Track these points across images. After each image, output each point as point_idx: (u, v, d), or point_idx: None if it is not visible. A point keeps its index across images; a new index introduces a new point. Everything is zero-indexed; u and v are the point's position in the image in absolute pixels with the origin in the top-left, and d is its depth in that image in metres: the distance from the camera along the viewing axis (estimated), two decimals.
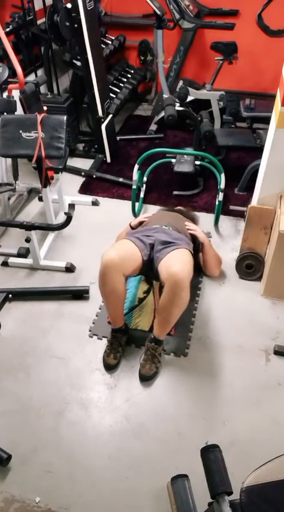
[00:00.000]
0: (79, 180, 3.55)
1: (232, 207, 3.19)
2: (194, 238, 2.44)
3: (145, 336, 2.21)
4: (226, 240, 2.94)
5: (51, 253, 2.81)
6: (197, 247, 2.48)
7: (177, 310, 2.01)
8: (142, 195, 3.29)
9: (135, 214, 3.09)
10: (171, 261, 2.04)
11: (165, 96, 3.57)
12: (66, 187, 3.22)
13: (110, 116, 3.74)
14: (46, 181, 2.63)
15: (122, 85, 4.18)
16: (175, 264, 2.00)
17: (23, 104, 2.81)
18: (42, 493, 1.68)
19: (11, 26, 3.66)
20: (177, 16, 3.70)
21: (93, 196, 3.35)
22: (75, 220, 2.63)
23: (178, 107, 3.22)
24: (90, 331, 2.31)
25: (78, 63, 3.64)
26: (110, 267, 2.01)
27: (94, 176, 3.56)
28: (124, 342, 2.20)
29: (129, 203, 3.11)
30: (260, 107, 3.45)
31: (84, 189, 3.46)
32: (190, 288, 2.01)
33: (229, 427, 1.89)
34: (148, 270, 2.21)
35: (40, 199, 2.86)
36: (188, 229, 2.43)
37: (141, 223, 2.52)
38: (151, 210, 3.18)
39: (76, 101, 3.72)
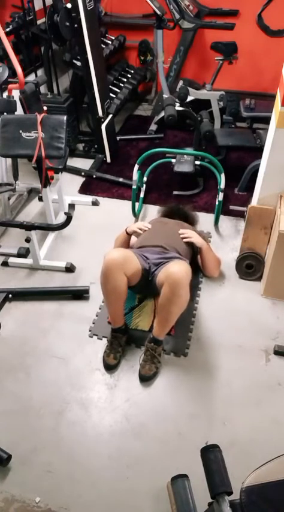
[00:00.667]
0: (79, 180, 3.55)
1: (232, 207, 3.19)
2: (192, 245, 2.44)
3: (145, 336, 2.21)
4: (226, 240, 2.94)
5: (51, 253, 2.81)
6: (195, 251, 2.48)
7: (176, 309, 2.02)
8: (142, 195, 3.29)
9: (135, 214, 3.09)
10: (168, 266, 2.06)
11: (165, 96, 3.57)
12: (66, 187, 3.22)
13: (110, 116, 3.74)
14: (46, 181, 2.63)
15: (122, 85, 4.18)
16: (173, 265, 2.02)
17: (23, 104, 2.81)
18: (42, 493, 1.68)
19: (11, 26, 3.66)
20: (177, 16, 3.70)
21: (93, 196, 3.35)
22: (75, 220, 2.63)
23: (178, 107, 3.22)
24: (90, 331, 2.31)
25: (78, 63, 3.64)
26: (113, 265, 2.02)
27: (94, 176, 3.56)
28: (124, 342, 2.20)
29: (129, 203, 3.11)
30: (260, 107, 3.45)
31: (84, 189, 3.46)
32: (190, 288, 2.02)
33: (229, 427, 1.89)
34: (147, 286, 2.22)
35: (40, 199, 2.87)
36: (183, 238, 2.39)
37: (137, 233, 2.48)
38: (151, 210, 3.18)
39: (76, 101, 3.72)
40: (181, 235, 2.41)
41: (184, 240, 2.40)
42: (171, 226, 2.52)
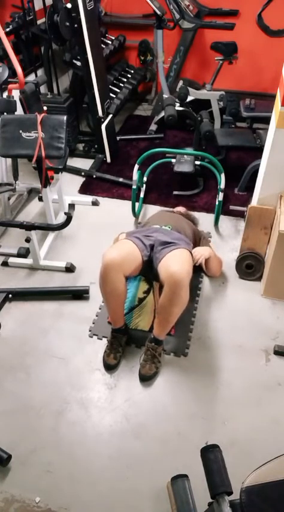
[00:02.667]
0: (79, 180, 3.55)
1: (232, 207, 3.19)
2: (195, 238, 2.44)
3: (145, 336, 2.21)
4: (226, 240, 2.94)
5: (51, 253, 2.81)
6: (198, 245, 2.49)
7: (176, 310, 2.01)
8: (142, 195, 3.29)
9: (135, 214, 3.09)
10: (170, 260, 2.04)
11: (165, 96, 3.57)
12: (66, 187, 3.22)
13: (110, 116, 3.74)
14: (46, 181, 2.63)
15: (122, 85, 4.18)
16: (174, 263, 2.00)
17: (23, 104, 2.81)
18: (42, 493, 1.68)
19: (11, 26, 3.66)
20: (177, 16, 3.70)
21: (93, 196, 3.35)
22: (75, 220, 2.63)
23: (178, 107, 3.22)
24: (90, 331, 2.31)
25: (78, 63, 3.65)
26: (111, 267, 2.01)
27: (94, 176, 3.56)
28: (124, 342, 2.20)
29: (129, 203, 3.11)
30: (260, 107, 3.44)
31: (84, 189, 3.46)
32: (190, 288, 2.02)
33: (229, 427, 1.89)
34: (148, 271, 2.21)
35: (40, 199, 2.86)
36: (197, 262, 2.34)
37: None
38: (151, 210, 3.18)
39: (76, 101, 3.72)
40: (194, 257, 2.32)
41: (198, 263, 2.36)
42: (176, 215, 2.57)
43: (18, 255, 2.73)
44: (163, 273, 2.02)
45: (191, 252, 2.20)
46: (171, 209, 2.84)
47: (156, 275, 2.14)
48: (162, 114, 3.84)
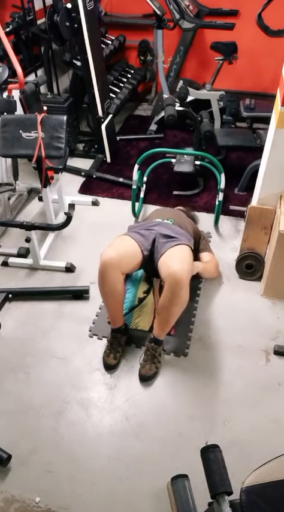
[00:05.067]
0: (80, 180, 3.55)
1: (232, 207, 3.18)
2: (195, 236, 2.44)
3: (145, 336, 2.21)
4: (226, 240, 2.94)
5: (51, 253, 2.81)
6: (197, 244, 2.48)
7: (176, 310, 2.01)
8: (142, 195, 3.29)
9: (135, 214, 3.09)
10: (170, 258, 2.04)
11: (165, 96, 3.57)
12: (66, 187, 3.22)
13: (110, 116, 3.74)
14: (46, 181, 2.63)
15: (122, 85, 4.18)
16: (175, 262, 2.00)
17: (23, 104, 2.80)
18: (42, 493, 1.68)
19: (11, 26, 3.66)
20: (177, 16, 3.70)
21: (93, 196, 3.35)
22: (75, 220, 2.63)
23: (178, 107, 3.22)
24: (90, 331, 2.31)
25: (78, 63, 3.65)
26: (109, 266, 2.01)
27: (94, 176, 3.55)
28: (124, 342, 2.20)
29: (129, 203, 3.11)
30: (260, 107, 3.45)
31: (84, 189, 3.46)
32: (190, 288, 2.02)
33: (229, 427, 1.89)
34: (149, 265, 2.22)
35: (40, 199, 2.87)
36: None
37: None
38: (151, 210, 3.16)
39: (76, 101, 3.72)
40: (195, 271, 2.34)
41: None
42: (177, 211, 2.58)
43: (18, 255, 2.73)
44: (164, 272, 2.02)
45: (192, 248, 2.20)
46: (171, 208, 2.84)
47: (156, 270, 2.13)
48: (162, 114, 3.84)
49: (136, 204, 3.11)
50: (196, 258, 2.53)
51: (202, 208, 3.21)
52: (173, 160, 3.32)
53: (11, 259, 2.73)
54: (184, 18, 3.75)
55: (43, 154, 2.42)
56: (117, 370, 2.12)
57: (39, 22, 3.73)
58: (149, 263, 2.20)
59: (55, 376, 2.10)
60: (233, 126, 3.72)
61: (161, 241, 2.15)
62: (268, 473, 1.16)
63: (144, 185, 3.32)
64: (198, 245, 2.49)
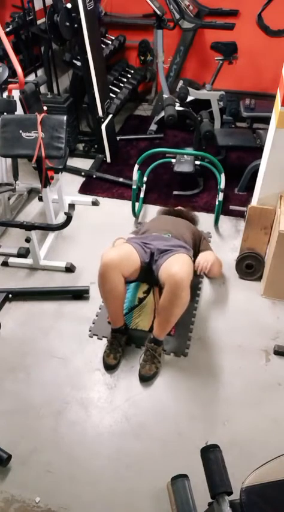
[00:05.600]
0: (80, 180, 3.55)
1: (232, 207, 3.18)
2: (194, 240, 2.44)
3: (145, 336, 2.21)
4: (226, 240, 2.94)
5: (51, 253, 2.81)
6: (197, 249, 2.49)
7: (177, 311, 2.02)
8: (142, 195, 3.29)
9: (135, 214, 3.09)
10: (170, 263, 2.06)
11: (165, 96, 3.57)
12: (66, 187, 3.22)
13: (110, 116, 3.74)
14: (46, 181, 2.63)
15: (122, 85, 4.18)
16: (175, 265, 2.01)
17: (23, 104, 2.80)
18: (42, 493, 1.68)
19: (11, 26, 3.66)
20: (177, 16, 3.70)
21: (93, 196, 3.35)
22: (75, 220, 2.63)
23: (178, 107, 3.22)
24: (90, 331, 2.31)
25: (78, 63, 3.65)
26: (110, 266, 2.02)
27: (94, 176, 3.55)
28: (124, 342, 2.20)
29: (129, 203, 3.11)
30: (260, 107, 3.45)
31: (84, 189, 3.45)
32: (190, 288, 2.02)
33: (229, 427, 1.89)
34: (148, 276, 2.23)
35: (40, 199, 2.87)
36: (201, 267, 2.35)
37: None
38: (151, 210, 3.18)
39: (76, 101, 3.72)
40: (198, 269, 2.35)
41: (207, 270, 2.37)
42: (176, 220, 2.55)
43: (18, 255, 2.73)
44: (164, 274, 2.04)
45: (191, 257, 2.21)
46: (171, 208, 2.83)
47: (156, 281, 2.14)
48: (162, 114, 3.84)
49: (136, 204, 3.11)
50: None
51: (202, 208, 3.21)
52: (173, 160, 3.32)
53: (11, 259, 2.73)
54: (184, 18, 3.74)
55: (43, 154, 2.42)
56: (117, 370, 2.12)
57: (39, 22, 3.73)
58: (148, 275, 2.21)
59: (55, 376, 2.10)
60: (233, 126, 3.71)
61: (160, 255, 2.17)
62: (268, 473, 1.16)
63: (144, 185, 3.32)
64: (199, 247, 2.49)
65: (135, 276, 2.16)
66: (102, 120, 3.62)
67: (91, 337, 2.29)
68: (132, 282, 2.28)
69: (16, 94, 2.83)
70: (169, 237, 2.29)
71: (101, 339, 2.27)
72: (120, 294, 2.10)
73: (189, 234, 2.41)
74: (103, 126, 3.60)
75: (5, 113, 2.68)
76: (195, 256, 2.49)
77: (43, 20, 3.56)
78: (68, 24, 3.27)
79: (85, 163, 3.70)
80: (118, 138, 3.99)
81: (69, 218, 2.51)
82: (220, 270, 2.60)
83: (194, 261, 2.24)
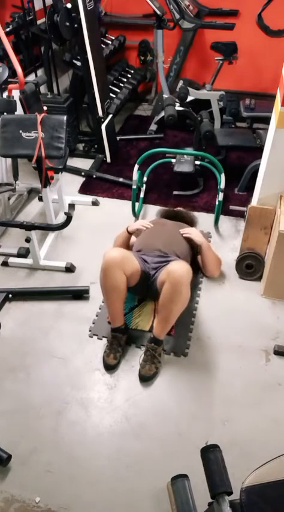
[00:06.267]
0: (80, 180, 3.55)
1: (232, 207, 3.18)
2: (192, 246, 2.45)
3: (145, 336, 2.22)
4: (226, 240, 2.94)
5: (51, 253, 2.81)
6: (195, 251, 2.49)
7: (176, 308, 2.02)
8: (142, 195, 3.29)
9: (135, 214, 3.09)
10: (168, 265, 2.08)
11: (165, 96, 3.57)
12: (66, 187, 3.22)
13: (110, 116, 3.74)
14: (46, 181, 2.63)
15: (122, 85, 4.18)
16: (174, 265, 2.03)
17: (23, 104, 2.81)
18: (42, 493, 1.68)
19: (11, 26, 3.66)
20: (177, 16, 3.70)
21: (93, 196, 3.35)
22: (75, 220, 2.63)
23: (178, 107, 3.22)
24: (90, 331, 2.31)
25: (78, 63, 3.65)
26: (112, 264, 2.04)
27: (94, 176, 3.56)
28: (124, 342, 2.20)
29: (129, 203, 3.11)
30: (260, 107, 3.45)
31: (84, 189, 3.46)
32: (190, 288, 2.02)
33: (229, 427, 1.89)
34: (146, 290, 2.25)
35: (40, 199, 2.87)
36: (182, 234, 2.42)
37: (138, 230, 2.48)
38: (151, 210, 3.18)
39: (76, 101, 3.72)
40: (182, 232, 2.43)
41: (184, 235, 2.41)
42: (170, 227, 2.51)
43: (18, 255, 2.73)
44: (164, 274, 2.05)
45: (188, 261, 2.24)
46: (171, 209, 2.82)
47: (155, 293, 2.15)
48: (162, 114, 3.84)
49: (136, 204, 3.11)
50: (197, 264, 2.54)
51: (202, 208, 3.21)
52: (173, 160, 3.32)
53: (11, 259, 2.73)
54: (184, 18, 3.75)
55: (43, 154, 2.42)
56: (117, 370, 2.12)
57: (39, 22, 3.73)
58: (145, 288, 2.24)
59: (55, 376, 2.10)
60: (233, 126, 3.72)
61: (154, 271, 2.21)
62: (268, 473, 1.16)
63: (144, 185, 3.32)
64: (197, 249, 2.49)
65: (135, 279, 2.17)
66: (102, 120, 3.62)
67: (91, 337, 2.29)
68: (132, 291, 2.28)
69: (16, 94, 2.83)
70: (165, 254, 2.29)
71: (101, 339, 2.27)
72: (121, 291, 2.10)
73: (185, 246, 2.40)
74: (103, 126, 3.60)
75: (5, 113, 2.68)
76: (194, 259, 2.49)
77: (43, 20, 3.56)
78: (68, 24, 3.27)
79: (85, 163, 3.70)
80: (118, 138, 3.99)
81: (69, 218, 2.51)
82: (219, 268, 2.59)
83: (192, 266, 2.24)
